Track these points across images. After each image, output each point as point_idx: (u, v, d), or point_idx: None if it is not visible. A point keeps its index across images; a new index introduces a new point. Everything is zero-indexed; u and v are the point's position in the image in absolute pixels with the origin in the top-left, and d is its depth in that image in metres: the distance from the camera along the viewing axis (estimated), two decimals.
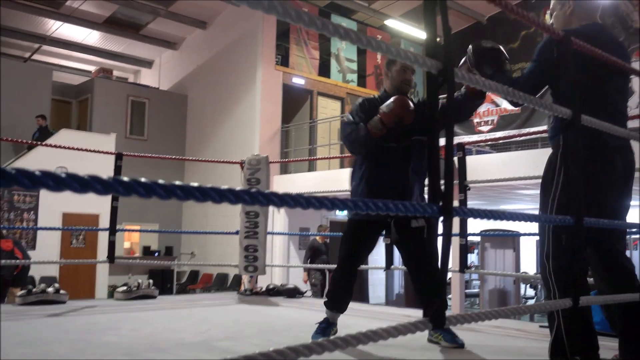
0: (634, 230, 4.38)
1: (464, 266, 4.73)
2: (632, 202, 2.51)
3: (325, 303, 3.32)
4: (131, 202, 9.96)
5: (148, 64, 16.61)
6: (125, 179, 0.93)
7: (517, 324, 3.93)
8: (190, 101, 14.94)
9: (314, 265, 9.85)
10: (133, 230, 11.40)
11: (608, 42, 2.49)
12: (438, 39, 1.55)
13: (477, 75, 1.65)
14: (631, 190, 2.50)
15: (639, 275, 2.48)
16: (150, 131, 14.28)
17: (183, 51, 15.51)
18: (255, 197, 1.13)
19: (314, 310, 4.87)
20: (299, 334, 3.49)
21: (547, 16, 2.75)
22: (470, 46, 2.66)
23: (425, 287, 3.09)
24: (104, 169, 10.04)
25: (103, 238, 11.38)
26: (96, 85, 13.96)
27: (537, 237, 2.48)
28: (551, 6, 2.68)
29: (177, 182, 0.98)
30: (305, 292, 6.51)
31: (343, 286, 3.30)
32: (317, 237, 10.29)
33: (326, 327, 3.22)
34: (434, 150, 1.53)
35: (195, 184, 1.00)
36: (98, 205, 10.44)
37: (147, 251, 13.55)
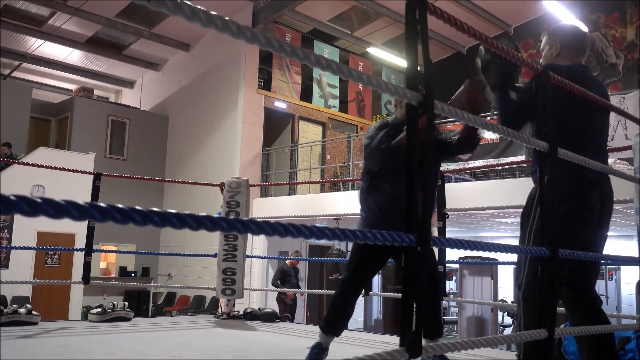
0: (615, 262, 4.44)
1: (442, 293, 4.74)
2: (614, 234, 2.56)
3: (320, 326, 3.26)
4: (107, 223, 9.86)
5: (130, 84, 16.57)
6: (102, 205, 0.92)
7: (495, 353, 3.95)
8: (171, 122, 14.90)
9: (292, 290, 9.81)
10: (109, 252, 11.25)
11: (588, 81, 2.57)
12: (419, 68, 1.58)
13: (455, 109, 1.68)
14: (608, 223, 2.55)
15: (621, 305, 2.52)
16: (130, 151, 14.19)
17: (165, 72, 15.52)
18: (234, 225, 1.14)
19: (291, 335, 4.85)
20: (277, 359, 3.47)
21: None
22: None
23: (430, 311, 3.11)
24: (82, 188, 9.99)
25: (78, 257, 11.21)
26: (76, 104, 13.87)
27: (515, 266, 2.51)
28: (542, 45, 2.78)
29: (155, 209, 0.98)
30: (284, 316, 6.47)
31: (343, 310, 3.26)
32: (287, 261, 10.28)
33: (318, 352, 3.16)
34: (411, 180, 1.56)
35: (173, 211, 1.01)
36: (74, 224, 10.30)
37: (123, 272, 13.36)
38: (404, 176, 2.64)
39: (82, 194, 9.92)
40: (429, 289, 3.22)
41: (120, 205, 0.93)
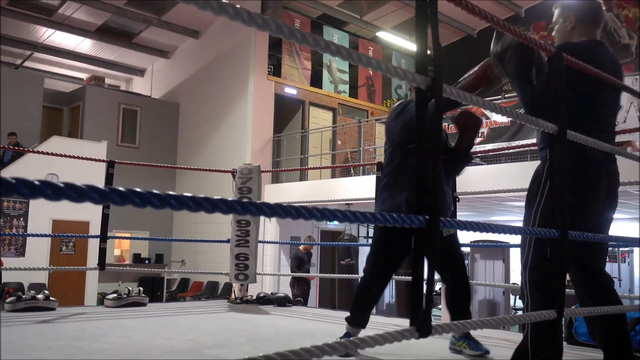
0: (622, 243, 4.44)
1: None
2: (626, 216, 2.57)
3: (347, 319, 3.22)
4: (122, 209, 9.96)
5: (140, 72, 16.63)
6: (121, 189, 0.95)
7: (505, 334, 3.97)
8: (182, 110, 14.96)
9: (305, 275, 9.88)
10: (123, 238, 11.37)
11: (604, 58, 2.55)
12: (429, 52, 1.59)
13: (464, 93, 1.70)
14: (615, 204, 2.55)
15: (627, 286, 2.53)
16: (142, 139, 14.28)
17: (175, 60, 15.55)
18: (247, 208, 1.17)
19: (303, 318, 4.90)
20: (287, 343, 3.51)
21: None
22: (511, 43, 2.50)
23: (460, 295, 3.13)
24: (95, 176, 10.09)
25: (93, 245, 11.35)
26: (88, 92, 13.96)
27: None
28: (554, 19, 2.71)
29: (171, 192, 1.00)
30: (297, 300, 6.54)
31: (368, 300, 3.22)
32: (300, 247, 10.34)
33: None
34: (421, 164, 1.58)
35: (189, 194, 1.03)
36: (88, 212, 10.42)
37: (137, 258, 13.51)
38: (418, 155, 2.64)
39: (95, 181, 10.01)
40: (458, 277, 3.23)
41: (138, 189, 0.96)
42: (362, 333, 3.16)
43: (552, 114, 2.12)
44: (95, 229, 10.81)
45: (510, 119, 8.50)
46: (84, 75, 16.11)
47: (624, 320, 2.54)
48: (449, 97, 1.64)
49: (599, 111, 2.52)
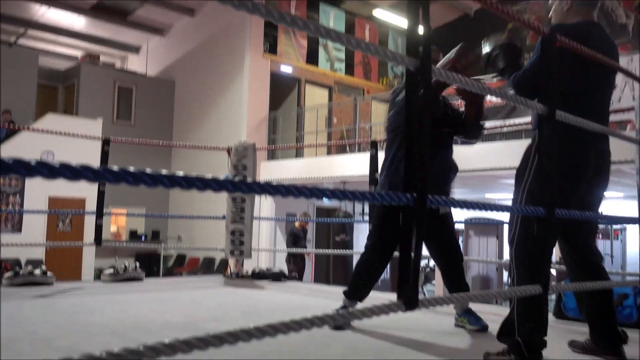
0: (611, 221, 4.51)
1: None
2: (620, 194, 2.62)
3: (345, 292, 3.28)
4: (118, 186, 9.98)
5: (135, 50, 16.51)
6: (115, 168, 0.98)
7: (498, 309, 4.05)
8: (177, 87, 14.91)
9: (300, 250, 9.97)
10: (120, 214, 11.41)
11: (598, 39, 2.58)
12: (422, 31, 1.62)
13: (453, 74, 1.73)
14: (605, 183, 2.61)
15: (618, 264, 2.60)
16: (137, 117, 14.26)
17: (171, 38, 15.44)
18: (238, 186, 1.21)
19: (298, 294, 4.98)
20: (283, 316, 3.57)
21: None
22: (489, 41, 2.68)
23: (456, 272, 3.20)
24: (90, 153, 10.08)
25: (89, 222, 11.40)
26: (83, 70, 13.89)
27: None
28: (549, 1, 2.75)
29: (164, 171, 1.04)
30: (292, 276, 6.62)
31: (369, 275, 3.26)
32: (296, 223, 10.41)
33: None
34: (410, 142, 1.62)
35: (181, 173, 1.06)
36: (84, 189, 10.46)
37: (133, 235, 13.58)
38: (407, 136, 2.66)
39: (90, 158, 10.03)
40: (452, 258, 3.30)
41: (131, 168, 1.00)
42: (361, 307, 3.24)
43: (542, 94, 2.16)
44: (91, 205, 10.85)
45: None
46: (78, 53, 15.99)
47: (610, 296, 2.61)
48: (437, 79, 1.68)
49: (592, 91, 2.56)
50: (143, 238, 13.66)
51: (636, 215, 3.10)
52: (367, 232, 4.24)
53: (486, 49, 2.66)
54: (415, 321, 3.31)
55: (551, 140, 2.15)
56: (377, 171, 5.06)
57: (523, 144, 2.62)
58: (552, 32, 2.18)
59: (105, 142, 5.03)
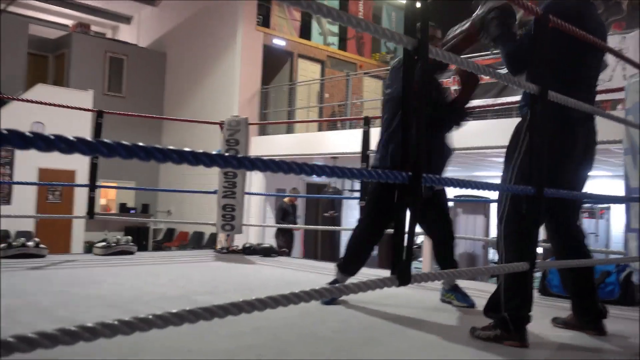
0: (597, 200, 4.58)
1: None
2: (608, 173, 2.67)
3: (337, 265, 3.32)
4: (109, 159, 9.96)
5: (127, 19, 16.32)
6: (109, 141, 0.98)
7: (484, 286, 4.13)
8: (169, 59, 14.79)
9: (290, 226, 10.04)
10: (112, 187, 11.41)
11: (590, 18, 2.61)
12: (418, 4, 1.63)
13: (449, 53, 1.76)
14: (592, 162, 2.66)
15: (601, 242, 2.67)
16: (128, 88, 14.16)
17: (163, 8, 15.26)
18: (229, 161, 1.22)
19: (289, 268, 5.04)
20: (275, 291, 3.62)
21: None
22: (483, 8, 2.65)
23: (447, 249, 3.25)
24: (81, 125, 10.02)
25: (79, 194, 11.40)
26: (74, 40, 13.72)
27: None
28: None
29: (157, 145, 1.04)
30: (282, 251, 6.68)
31: (362, 250, 3.30)
32: (285, 199, 10.46)
33: None
34: (406, 123, 1.65)
35: (173, 147, 1.07)
36: (75, 161, 10.42)
37: (123, 208, 13.59)
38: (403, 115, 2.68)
39: (81, 130, 10.01)
40: (444, 234, 3.35)
41: (125, 142, 0.99)
42: (350, 282, 3.30)
43: (534, 74, 2.19)
44: (82, 177, 10.85)
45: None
46: (69, 22, 15.77)
47: (591, 273, 2.69)
48: (434, 59, 1.70)
49: (582, 71, 2.60)
50: (133, 211, 13.67)
51: (622, 194, 3.17)
52: (356, 209, 4.28)
53: (481, 10, 2.63)
54: (404, 297, 3.37)
55: (542, 119, 2.19)
56: (369, 148, 5.10)
57: (514, 122, 2.65)
58: (545, 12, 2.21)
59: (99, 115, 5.01)
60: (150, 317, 1.09)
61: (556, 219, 2.60)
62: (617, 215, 11.78)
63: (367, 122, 5.19)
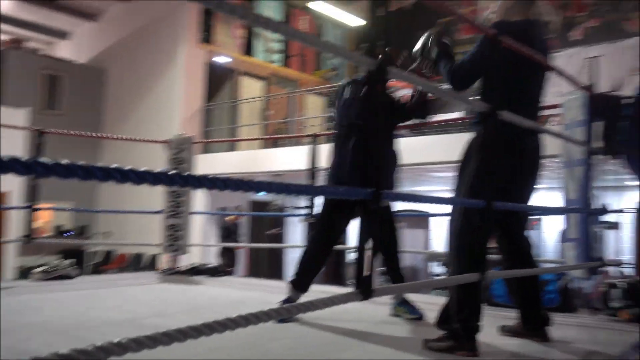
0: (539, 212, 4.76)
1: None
2: (544, 186, 2.78)
3: (290, 282, 3.35)
4: (44, 179, 9.60)
5: (64, 35, 15.84)
6: (47, 160, 0.94)
7: (428, 298, 4.20)
8: (109, 76, 14.44)
9: (233, 245, 9.93)
10: (54, 209, 10.98)
11: (536, 38, 2.73)
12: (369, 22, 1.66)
13: (409, 74, 1.81)
14: (537, 176, 2.77)
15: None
16: (67, 106, 13.70)
17: (102, 24, 14.91)
18: (174, 180, 1.16)
19: (236, 288, 4.98)
20: (224, 310, 3.57)
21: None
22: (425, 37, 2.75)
23: (396, 262, 3.28)
24: (17, 144, 9.60)
25: (14, 217, 10.92)
26: (9, 56, 13.19)
27: (447, 218, 2.69)
28: None
29: (98, 164, 0.99)
30: (227, 270, 6.60)
31: (313, 267, 3.33)
32: (227, 218, 10.36)
33: None
34: (368, 139, 1.68)
35: (115, 166, 1.02)
36: (7, 182, 9.99)
37: (59, 231, 13.07)
38: (365, 133, 2.72)
39: (14, 150, 9.61)
40: (392, 250, 3.39)
41: (64, 161, 0.95)
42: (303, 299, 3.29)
43: (485, 92, 2.27)
44: (15, 200, 10.40)
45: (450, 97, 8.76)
46: (3, 38, 15.16)
47: (537, 282, 2.80)
48: (395, 78, 1.74)
49: (528, 88, 2.71)
50: (69, 234, 13.17)
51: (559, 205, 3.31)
52: (299, 226, 4.28)
53: (419, 43, 2.72)
54: (355, 312, 3.39)
55: (493, 136, 2.26)
56: (317, 165, 5.12)
57: (454, 138, 2.74)
58: (496, 32, 2.30)
59: (39, 134, 4.84)
60: (108, 345, 1.03)
61: (505, 231, 2.68)
62: (550, 226, 12.21)
63: (315, 140, 5.21)
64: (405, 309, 3.27)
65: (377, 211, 1.68)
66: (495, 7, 2.87)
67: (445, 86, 2.28)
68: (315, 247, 3.35)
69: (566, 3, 12.34)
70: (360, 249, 1.66)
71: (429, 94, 3.25)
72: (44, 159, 0.94)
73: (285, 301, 3.28)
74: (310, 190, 1.46)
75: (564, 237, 3.42)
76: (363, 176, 2.47)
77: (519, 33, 2.55)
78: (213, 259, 10.14)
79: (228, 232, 10.34)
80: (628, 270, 5.53)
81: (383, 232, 3.34)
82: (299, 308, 1.46)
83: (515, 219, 2.73)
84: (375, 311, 3.51)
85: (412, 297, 3.58)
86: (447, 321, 2.54)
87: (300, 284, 3.32)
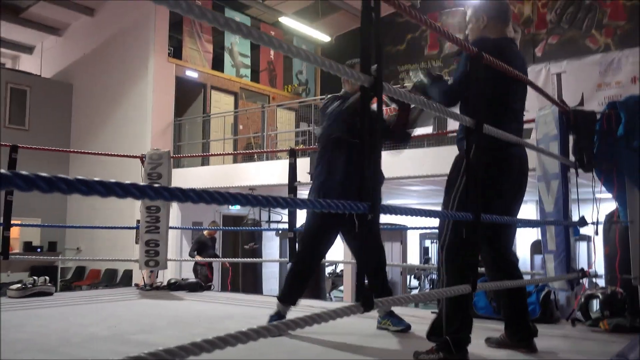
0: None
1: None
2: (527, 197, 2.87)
3: (278, 297, 3.38)
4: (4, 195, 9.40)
5: (28, 49, 15.61)
6: (25, 173, 0.90)
7: (410, 311, 4.27)
8: (75, 90, 14.26)
9: (209, 260, 9.85)
10: (30, 226, 10.73)
11: (514, 54, 2.84)
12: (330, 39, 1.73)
13: (400, 91, 1.87)
14: (524, 189, 2.86)
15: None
16: (32, 121, 13.48)
17: (68, 38, 14.76)
18: (145, 192, 1.09)
19: (218, 303, 4.97)
20: (211, 325, 3.59)
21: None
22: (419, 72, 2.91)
23: (379, 276, 3.32)
24: None
25: None
26: None
27: (420, 231, 2.76)
28: (467, 18, 2.98)
29: (80, 177, 0.96)
30: (207, 285, 6.57)
31: (301, 280, 3.36)
32: (205, 232, 10.29)
33: (278, 319, 3.24)
34: (363, 153, 1.73)
35: (97, 179, 0.99)
36: None
37: (28, 247, 12.78)
38: (352, 147, 2.79)
39: None
40: (380, 259, 3.44)
41: (45, 174, 0.92)
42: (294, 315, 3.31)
43: (470, 109, 2.35)
44: None
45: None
46: None
47: (524, 294, 2.87)
48: (388, 94, 1.80)
49: (511, 103, 2.81)
50: (39, 250, 12.90)
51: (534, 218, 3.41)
52: (275, 240, 4.28)
53: (413, 79, 2.89)
54: (343, 326, 3.41)
55: (479, 151, 2.34)
56: (296, 180, 5.17)
57: (426, 152, 2.83)
58: (479, 50, 2.38)
59: (13, 149, 4.78)
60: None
61: (493, 243, 2.76)
62: (522, 238, 12.45)
63: (293, 154, 5.26)
64: (391, 321, 3.32)
65: (377, 224, 1.74)
66: (469, 25, 2.98)
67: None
68: (303, 261, 3.37)
69: (527, 20, 12.70)
70: (359, 262, 1.71)
71: (410, 115, 3.36)
72: (24, 172, 0.89)
73: (275, 315, 3.30)
74: (303, 204, 1.49)
75: (545, 249, 3.52)
76: (355, 190, 2.53)
77: (499, 50, 2.64)
78: (189, 274, 10.03)
79: (202, 246, 10.24)
80: (600, 282, 5.68)
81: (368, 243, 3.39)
82: (304, 321, 1.48)
83: (502, 233, 2.80)
84: (362, 324, 3.54)
85: (399, 310, 3.64)
86: (438, 333, 2.59)
87: (288, 298, 3.35)
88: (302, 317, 1.49)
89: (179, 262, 11.47)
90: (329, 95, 3.53)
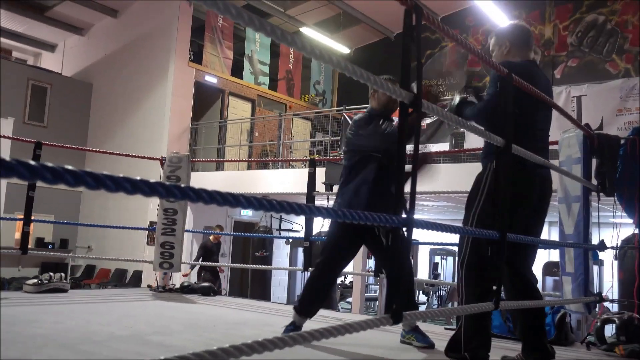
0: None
1: (377, 270, 5.00)
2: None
3: (295, 307, 3.34)
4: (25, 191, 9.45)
5: (51, 47, 15.82)
6: (51, 164, 0.87)
7: (424, 326, 4.26)
8: (95, 90, 14.41)
9: (214, 264, 9.89)
10: (48, 222, 10.81)
11: (539, 77, 2.87)
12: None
13: (438, 108, 1.90)
14: (547, 209, 2.87)
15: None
16: (50, 118, 13.63)
17: (90, 38, 14.93)
18: (171, 191, 1.06)
19: (232, 308, 4.99)
20: (227, 331, 3.61)
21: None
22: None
23: (411, 289, 3.31)
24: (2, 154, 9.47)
25: None
26: None
27: (430, 246, 2.77)
28: (490, 47, 3.03)
29: (105, 172, 0.94)
30: (221, 290, 6.60)
31: (320, 291, 3.32)
32: (210, 237, 10.32)
33: (294, 330, 3.21)
34: (400, 168, 1.75)
35: (122, 175, 0.97)
36: None
37: (40, 243, 12.87)
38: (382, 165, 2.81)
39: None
40: (409, 278, 3.45)
41: (70, 167, 0.90)
42: (311, 327, 3.32)
43: (499, 128, 2.37)
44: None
45: (428, 122, 8.93)
46: None
47: (543, 315, 2.87)
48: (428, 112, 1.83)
49: (537, 123, 2.83)
50: (51, 246, 12.99)
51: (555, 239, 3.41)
52: (285, 248, 4.26)
53: (456, 99, 2.91)
54: (362, 338, 3.41)
55: (506, 169, 2.36)
56: (314, 189, 5.20)
57: (439, 168, 2.84)
58: (509, 71, 2.41)
59: (37, 146, 4.85)
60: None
61: (514, 265, 2.76)
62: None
63: (312, 164, 5.29)
64: (415, 337, 3.28)
65: (407, 238, 1.76)
66: (493, 52, 3.02)
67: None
68: (324, 273, 3.34)
69: (548, 42, 12.72)
70: (391, 274, 1.72)
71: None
72: (50, 164, 0.87)
73: (290, 326, 3.29)
74: (335, 214, 1.51)
75: (563, 271, 3.52)
76: (385, 203, 2.55)
77: (525, 73, 2.67)
78: (195, 278, 10.06)
79: (207, 251, 10.26)
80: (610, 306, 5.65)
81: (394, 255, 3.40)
82: (336, 330, 1.50)
83: (523, 252, 2.81)
84: (384, 338, 3.51)
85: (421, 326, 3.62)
86: (456, 349, 2.60)
87: (306, 309, 3.32)
88: (331, 327, 1.50)
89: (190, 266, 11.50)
90: (359, 116, 3.44)
